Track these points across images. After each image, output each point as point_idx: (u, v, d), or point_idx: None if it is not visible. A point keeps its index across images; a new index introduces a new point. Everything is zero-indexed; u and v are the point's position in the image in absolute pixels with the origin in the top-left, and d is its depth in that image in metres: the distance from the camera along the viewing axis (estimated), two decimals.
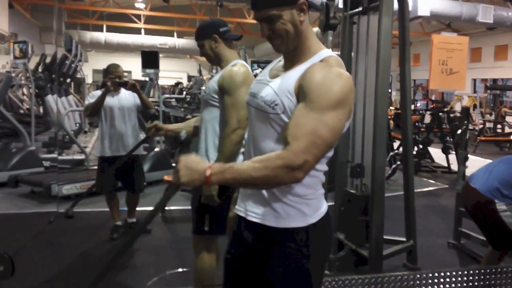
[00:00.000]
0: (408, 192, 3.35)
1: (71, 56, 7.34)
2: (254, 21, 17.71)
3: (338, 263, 3.24)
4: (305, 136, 1.30)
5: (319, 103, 1.32)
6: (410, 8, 10.20)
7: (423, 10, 10.12)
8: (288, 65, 1.49)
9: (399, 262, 3.37)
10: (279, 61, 1.57)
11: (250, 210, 1.50)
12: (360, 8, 3.20)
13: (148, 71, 6.41)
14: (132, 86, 3.87)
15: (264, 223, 1.46)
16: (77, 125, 8.07)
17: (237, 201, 1.62)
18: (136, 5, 17.57)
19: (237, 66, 2.29)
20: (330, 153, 1.45)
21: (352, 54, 3.43)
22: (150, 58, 6.31)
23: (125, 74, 4.18)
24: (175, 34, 19.32)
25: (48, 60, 8.68)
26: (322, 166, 1.46)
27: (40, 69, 8.66)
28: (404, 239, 3.35)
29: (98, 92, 4.00)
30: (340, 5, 3.22)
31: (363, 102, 3.24)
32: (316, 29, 6.22)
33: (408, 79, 3.30)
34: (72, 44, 7.38)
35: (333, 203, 3.43)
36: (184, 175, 1.31)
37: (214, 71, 8.94)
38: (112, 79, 3.83)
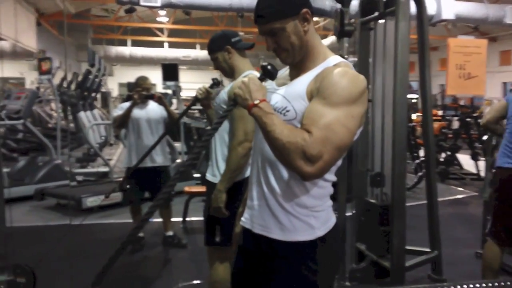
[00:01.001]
0: (431, 200, 3.24)
1: (95, 71, 7.46)
2: None
3: (358, 274, 3.15)
4: (323, 128, 1.26)
5: (333, 99, 1.29)
6: (434, 12, 10.08)
7: (448, 13, 9.91)
8: (295, 74, 1.46)
9: (424, 274, 3.26)
10: (286, 71, 1.54)
11: (256, 222, 1.46)
12: (376, 14, 3.13)
13: (168, 83, 6.45)
14: (159, 99, 3.90)
15: (270, 236, 1.42)
16: (103, 138, 8.17)
17: (242, 215, 1.58)
18: (159, 19, 17.85)
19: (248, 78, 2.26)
20: (340, 161, 1.40)
21: (370, 60, 3.36)
22: (170, 71, 6.35)
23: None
24: (197, 46, 19.53)
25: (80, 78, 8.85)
26: (331, 176, 1.42)
27: (73, 87, 8.85)
28: (428, 249, 3.24)
29: (127, 104, 4.03)
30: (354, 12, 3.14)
31: (382, 109, 3.17)
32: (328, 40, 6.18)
33: (428, 84, 3.21)
34: (95, 58, 7.51)
35: (352, 213, 3.37)
36: (242, 88, 1.35)
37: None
38: (139, 92, 3.86)
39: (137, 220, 4.14)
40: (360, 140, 3.31)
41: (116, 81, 21.19)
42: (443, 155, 7.72)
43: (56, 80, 7.93)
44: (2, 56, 16.59)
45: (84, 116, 7.29)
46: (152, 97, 3.91)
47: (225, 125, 2.31)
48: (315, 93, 1.34)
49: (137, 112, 3.98)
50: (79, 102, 7.38)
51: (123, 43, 19.11)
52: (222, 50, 2.35)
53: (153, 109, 4.06)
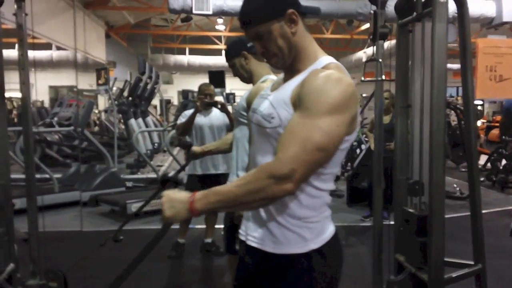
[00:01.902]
0: (475, 209, 3.06)
1: (145, 78, 7.69)
2: (333, 36, 17.66)
3: (396, 287, 3.02)
4: (295, 144, 1.20)
5: (314, 108, 1.22)
6: (494, 14, 9.54)
7: (510, 15, 9.35)
8: (287, 77, 1.42)
9: None
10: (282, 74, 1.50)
11: (250, 234, 1.42)
12: (414, 15, 3.01)
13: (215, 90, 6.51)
14: (222, 106, 3.93)
15: (263, 248, 1.38)
16: (156, 144, 8.39)
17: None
18: (217, 27, 18.14)
19: (266, 82, 2.24)
20: (335, 169, 1.34)
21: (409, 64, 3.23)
22: (217, 78, 6.43)
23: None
24: None
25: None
26: (326, 185, 1.36)
27: (125, 95, 9.18)
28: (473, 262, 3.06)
29: (190, 112, 4.09)
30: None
31: (420, 114, 3.04)
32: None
33: (471, 89, 3.04)
34: (145, 66, 7.74)
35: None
36: (168, 208, 1.28)
37: None
38: (201, 99, 3.90)
39: (183, 224, 4.15)
40: (400, 147, 3.19)
41: (175, 89, 21.72)
42: (503, 163, 7.30)
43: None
44: (75, 67, 17.62)
45: (135, 123, 7.52)
46: (215, 104, 3.93)
47: (246, 132, 2.29)
48: (297, 99, 1.28)
49: (200, 120, 4.01)
50: (130, 109, 7.62)
51: (182, 51, 19.59)
52: (239, 56, 2.35)
53: (216, 116, 4.09)
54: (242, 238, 1.47)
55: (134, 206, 5.40)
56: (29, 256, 2.97)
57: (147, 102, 8.53)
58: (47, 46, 16.26)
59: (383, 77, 2.86)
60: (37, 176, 6.66)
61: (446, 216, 3.51)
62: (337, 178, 7.41)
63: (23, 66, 2.89)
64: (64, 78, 19.21)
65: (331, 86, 1.25)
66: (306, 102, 1.25)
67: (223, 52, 18.86)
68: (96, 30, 15.02)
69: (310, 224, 1.36)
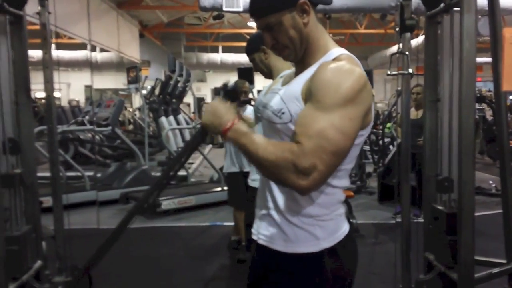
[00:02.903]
0: (508, 207, 2.95)
1: (175, 76, 7.75)
2: (367, 31, 17.38)
3: (425, 286, 2.95)
4: (314, 137, 1.15)
5: (326, 102, 1.18)
6: None
7: None
8: (298, 71, 1.38)
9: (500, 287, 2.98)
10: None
11: (261, 232, 1.39)
12: (442, 6, 2.91)
13: None
14: None
15: (273, 247, 1.34)
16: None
17: None
18: (249, 24, 18.15)
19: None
20: (350, 165, 1.30)
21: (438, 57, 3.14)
22: (246, 74, 6.41)
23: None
24: None
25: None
26: (340, 182, 1.31)
27: (156, 93, 9.29)
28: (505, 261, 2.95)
29: None
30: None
31: (449, 109, 2.94)
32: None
33: (501, 82, 2.93)
34: (175, 64, 7.80)
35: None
36: (208, 117, 1.27)
37: None
38: None
39: (239, 222, 4.13)
40: (429, 142, 3.11)
41: (209, 87, 21.86)
42: None
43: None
44: (109, 67, 18.01)
45: (165, 121, 7.60)
46: (249, 102, 3.90)
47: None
48: (308, 94, 1.24)
49: None
50: (161, 107, 7.70)
51: (215, 49, 19.68)
52: (258, 50, 2.32)
53: (251, 113, 4.06)
54: (254, 237, 1.43)
55: (164, 204, 5.45)
56: (55, 254, 3.00)
57: (178, 100, 8.60)
58: (84, 46, 16.60)
59: (410, 70, 2.77)
60: (73, 174, 6.88)
61: (481, 213, 3.42)
62: (368, 175, 7.31)
63: (47, 65, 2.93)
64: (106, 80, 19.69)
65: (342, 78, 1.20)
66: (317, 95, 1.20)
67: None
68: (130, 29, 15.25)
69: (322, 222, 1.32)
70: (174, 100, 8.32)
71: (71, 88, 22.04)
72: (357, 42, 18.23)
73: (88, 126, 7.20)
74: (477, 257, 2.76)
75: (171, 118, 7.77)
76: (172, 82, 7.79)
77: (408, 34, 2.87)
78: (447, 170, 2.96)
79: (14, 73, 2.72)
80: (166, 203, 5.47)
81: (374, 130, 8.65)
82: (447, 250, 2.85)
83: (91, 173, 6.91)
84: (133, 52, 15.66)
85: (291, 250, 1.32)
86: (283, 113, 1.29)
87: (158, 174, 7.25)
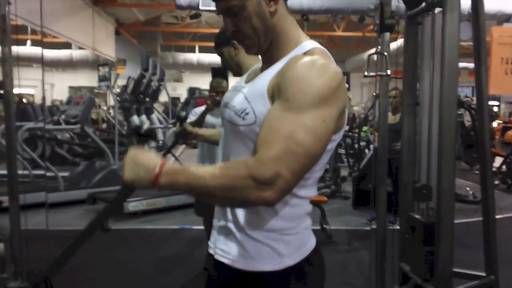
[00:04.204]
0: (488, 215, 2.84)
1: (148, 75, 7.55)
2: (344, 34, 17.39)
3: None
4: (279, 142, 0.99)
5: (297, 101, 1.02)
6: None
7: None
8: (265, 66, 1.21)
9: None
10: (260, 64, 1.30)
11: (218, 246, 1.22)
12: (423, 5, 2.79)
13: None
14: None
15: (232, 264, 1.18)
16: (160, 142, 8.24)
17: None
18: None
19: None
20: (319, 173, 1.14)
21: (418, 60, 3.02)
22: (220, 75, 6.24)
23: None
24: None
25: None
26: (308, 192, 1.16)
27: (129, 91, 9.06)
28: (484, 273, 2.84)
29: (201, 109, 3.83)
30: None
31: (429, 113, 2.82)
32: None
33: (485, 87, 2.82)
34: (148, 63, 7.59)
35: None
36: (129, 170, 1.06)
37: None
38: (213, 97, 3.63)
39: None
40: (406, 147, 2.99)
41: (185, 87, 21.60)
42: None
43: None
44: (83, 65, 17.68)
45: (137, 119, 7.38)
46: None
47: None
48: (276, 91, 1.08)
49: (211, 119, 3.75)
50: (133, 106, 7.49)
51: (192, 49, 19.45)
52: (229, 45, 2.14)
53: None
54: (211, 251, 1.27)
55: (131, 205, 5.24)
56: (11, 257, 2.83)
57: (152, 99, 8.39)
58: (66, 46, 16.26)
59: (389, 72, 2.64)
60: (47, 174, 6.62)
61: (457, 221, 3.30)
62: (343, 179, 7.21)
63: (7, 58, 2.75)
64: (81, 78, 19.35)
65: (316, 74, 1.05)
66: (287, 93, 1.05)
67: None
68: (105, 27, 14.95)
69: (286, 237, 1.17)
70: (147, 99, 8.11)
71: (55, 88, 21.70)
72: (334, 45, 18.22)
73: (64, 126, 6.92)
74: (454, 269, 2.64)
75: (143, 117, 7.55)
76: (145, 81, 7.58)
77: (387, 34, 2.74)
78: (425, 177, 2.84)
79: None
80: (134, 205, 5.27)
81: (350, 133, 8.59)
82: (424, 261, 2.73)
83: (66, 173, 6.69)
84: (108, 50, 15.36)
85: (251, 268, 1.17)
86: (246, 114, 1.13)
87: None
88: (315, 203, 5.18)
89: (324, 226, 4.85)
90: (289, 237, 1.17)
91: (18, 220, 2.85)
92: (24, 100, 15.54)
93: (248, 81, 1.25)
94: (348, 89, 7.29)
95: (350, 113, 13.85)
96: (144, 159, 1.07)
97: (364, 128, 8.47)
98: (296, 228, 1.18)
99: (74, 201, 5.95)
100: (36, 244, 3.00)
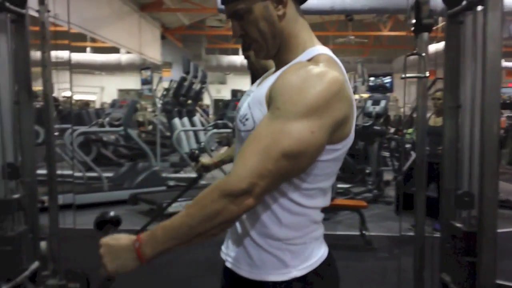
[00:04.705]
0: None
1: (190, 78, 7.63)
2: (391, 33, 17.03)
3: None
4: (257, 154, 0.98)
5: (286, 110, 0.99)
6: None
7: None
8: (274, 71, 1.18)
9: None
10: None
11: (229, 254, 1.21)
12: (464, 3, 2.66)
13: None
14: None
15: (238, 271, 1.16)
16: (202, 144, 8.33)
17: None
18: None
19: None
20: (324, 183, 1.10)
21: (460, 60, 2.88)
22: (258, 76, 6.23)
23: None
24: None
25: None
26: (313, 201, 1.11)
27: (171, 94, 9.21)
28: None
29: None
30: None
31: (470, 116, 2.69)
32: None
33: None
34: (189, 66, 7.68)
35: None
36: (110, 261, 1.03)
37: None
38: None
39: None
40: (448, 152, 2.86)
41: (228, 89, 21.81)
42: None
43: None
44: (131, 69, 18.18)
45: (178, 122, 7.48)
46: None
47: None
48: (270, 99, 1.06)
49: None
50: (174, 109, 7.60)
51: (236, 52, 19.59)
52: None
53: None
54: (223, 256, 1.26)
55: (172, 206, 5.29)
56: (50, 255, 2.92)
57: (194, 102, 8.49)
58: (115, 50, 16.77)
59: (427, 73, 2.53)
60: (92, 174, 6.85)
61: (504, 229, 3.14)
62: (386, 183, 7.02)
63: (46, 63, 2.84)
64: (130, 81, 19.88)
65: (310, 83, 1.01)
66: (277, 101, 1.02)
67: None
68: (151, 31, 15.31)
69: (292, 247, 1.12)
70: (189, 101, 8.20)
71: (104, 92, 22.46)
72: (381, 45, 17.89)
73: (101, 129, 7.13)
74: (499, 281, 2.50)
75: (185, 119, 7.64)
76: (186, 84, 7.67)
77: (425, 34, 2.62)
78: (467, 183, 2.71)
79: (15, 72, 2.66)
80: (174, 206, 5.31)
81: (396, 136, 8.36)
82: (465, 272, 2.60)
83: (111, 174, 6.89)
84: (154, 54, 15.72)
85: (257, 277, 1.13)
86: (246, 120, 1.12)
87: (170, 175, 7.12)
88: (353, 208, 5.11)
89: (363, 232, 4.74)
90: (296, 247, 1.13)
91: (56, 220, 2.94)
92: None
93: (258, 86, 1.22)
94: (391, 90, 7.12)
95: (396, 114, 13.53)
96: (119, 243, 1.05)
97: (410, 130, 8.24)
98: (303, 238, 1.14)
99: (116, 201, 6.07)
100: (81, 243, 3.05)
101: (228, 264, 1.20)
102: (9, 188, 2.55)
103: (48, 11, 2.83)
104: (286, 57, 1.16)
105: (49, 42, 2.84)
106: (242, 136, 1.14)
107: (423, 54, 2.57)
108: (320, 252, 1.18)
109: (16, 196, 2.58)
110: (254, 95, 1.15)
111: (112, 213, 1.13)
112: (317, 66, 1.05)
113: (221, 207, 0.97)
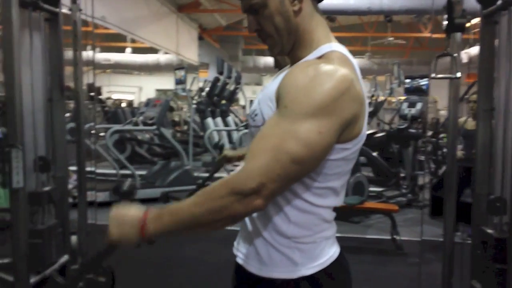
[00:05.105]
0: None
1: (223, 78, 7.68)
2: (432, 35, 16.64)
3: None
4: (265, 152, 0.97)
5: (293, 109, 0.99)
6: None
7: None
8: (289, 67, 1.18)
9: None
10: None
11: (240, 249, 1.21)
12: (499, 3, 2.58)
13: None
14: None
15: (247, 267, 1.16)
16: (235, 144, 8.38)
17: None
18: None
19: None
20: (334, 183, 1.09)
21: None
22: None
23: None
24: None
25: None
26: (323, 200, 1.10)
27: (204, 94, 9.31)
28: None
29: None
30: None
31: (504, 119, 2.60)
32: None
33: None
34: (223, 67, 7.73)
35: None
36: (114, 228, 1.04)
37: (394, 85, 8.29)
38: None
39: None
40: (481, 156, 2.77)
41: None
42: None
43: None
44: (169, 69, 18.47)
45: (211, 122, 7.55)
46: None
47: None
48: (279, 95, 1.05)
49: None
50: (207, 109, 7.67)
51: None
52: None
53: None
54: (235, 252, 1.26)
55: None
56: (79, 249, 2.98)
57: (228, 102, 8.55)
58: (153, 50, 17.06)
59: (458, 74, 2.46)
60: (126, 172, 7.01)
61: None
62: (421, 187, 6.87)
63: (77, 62, 2.90)
64: (167, 81, 20.21)
65: (317, 81, 0.99)
66: (285, 100, 1.02)
67: None
68: (189, 32, 15.49)
69: (302, 245, 1.11)
70: (223, 101, 8.27)
71: (142, 92, 22.93)
72: (421, 47, 17.53)
73: (134, 127, 7.28)
74: None
75: (218, 119, 7.71)
76: (219, 84, 7.73)
77: (458, 35, 2.55)
78: (500, 189, 2.62)
79: (49, 70, 2.73)
80: None
81: (433, 139, 8.18)
82: (496, 279, 2.52)
83: (144, 172, 7.03)
84: (191, 54, 15.90)
85: (265, 274, 1.13)
86: (256, 115, 1.13)
87: (201, 174, 7.20)
88: (384, 211, 5.03)
89: (394, 236, 4.65)
90: (305, 246, 1.12)
91: (85, 215, 3.00)
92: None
93: (271, 82, 1.22)
94: (427, 92, 6.97)
95: (434, 117, 13.23)
96: (127, 215, 1.06)
97: None
98: (313, 237, 1.13)
99: (148, 199, 6.17)
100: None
101: (239, 260, 1.21)
102: (40, 180, 2.61)
103: (80, 9, 2.88)
104: (300, 53, 1.15)
105: (80, 41, 2.90)
106: (253, 131, 1.14)
107: (455, 55, 2.49)
108: (331, 252, 1.16)
109: (46, 188, 2.64)
110: (264, 91, 1.15)
111: (128, 183, 1.14)
112: (327, 63, 1.04)
113: (227, 203, 0.98)
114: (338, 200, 1.15)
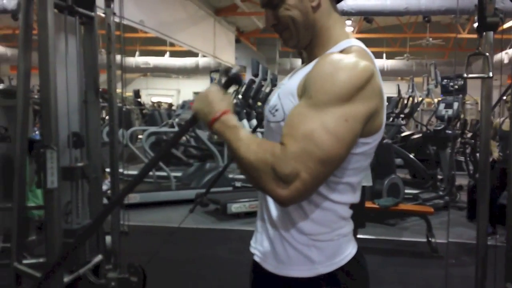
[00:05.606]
0: None
1: (258, 80, 7.71)
2: (471, 36, 16.17)
3: None
4: (298, 140, 0.98)
5: (319, 98, 1.00)
6: None
7: None
8: (305, 64, 1.19)
9: None
10: None
11: (257, 247, 1.21)
12: None
13: None
14: None
15: (265, 266, 1.16)
16: None
17: None
18: (346, 29, 17.77)
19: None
20: (353, 178, 1.09)
21: None
22: None
23: None
24: (383, 55, 18.85)
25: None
26: (342, 197, 1.10)
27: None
28: None
29: None
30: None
31: None
32: None
33: None
34: (258, 69, 7.76)
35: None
36: (199, 102, 1.11)
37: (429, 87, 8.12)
38: None
39: None
40: None
41: None
42: None
43: None
44: (207, 72, 18.70)
45: (246, 124, 7.59)
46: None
47: None
48: (303, 89, 1.06)
49: None
50: (243, 110, 7.72)
51: None
52: None
53: None
54: (252, 250, 1.26)
55: (234, 207, 5.41)
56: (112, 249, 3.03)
57: (264, 104, 8.59)
58: (191, 54, 17.32)
59: (491, 74, 2.43)
60: (161, 174, 7.15)
61: None
62: (459, 188, 6.70)
63: (110, 64, 2.96)
64: (205, 84, 20.49)
65: (340, 72, 1.01)
66: (310, 90, 1.03)
67: None
68: (226, 35, 15.62)
69: (319, 243, 1.11)
70: (259, 103, 8.31)
71: (180, 94, 23.31)
72: (460, 48, 17.08)
73: (170, 129, 7.42)
74: None
75: (254, 121, 7.75)
76: (255, 86, 7.78)
77: (490, 34, 2.51)
78: None
79: (84, 73, 2.79)
80: (237, 206, 5.43)
81: (472, 140, 7.97)
82: None
83: (179, 174, 7.15)
84: (228, 57, 16.03)
85: (283, 273, 1.14)
86: (276, 110, 1.13)
87: (236, 176, 7.26)
88: (418, 214, 4.93)
89: (430, 238, 4.56)
90: (322, 244, 1.12)
91: (118, 215, 3.04)
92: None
93: (289, 79, 1.24)
94: (465, 93, 6.80)
95: (474, 119, 12.88)
96: (214, 100, 1.10)
97: None
98: (330, 234, 1.13)
99: (183, 200, 6.27)
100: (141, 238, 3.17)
101: (256, 258, 1.21)
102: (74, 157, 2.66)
103: (114, 13, 2.94)
104: (318, 50, 1.17)
105: (114, 44, 2.95)
106: (271, 127, 1.15)
107: (487, 54, 2.45)
108: (348, 249, 1.16)
109: (80, 164, 2.68)
110: (285, 87, 1.16)
111: (238, 68, 1.21)
112: (349, 56, 1.06)
113: (264, 171, 0.99)
114: (355, 197, 1.15)
